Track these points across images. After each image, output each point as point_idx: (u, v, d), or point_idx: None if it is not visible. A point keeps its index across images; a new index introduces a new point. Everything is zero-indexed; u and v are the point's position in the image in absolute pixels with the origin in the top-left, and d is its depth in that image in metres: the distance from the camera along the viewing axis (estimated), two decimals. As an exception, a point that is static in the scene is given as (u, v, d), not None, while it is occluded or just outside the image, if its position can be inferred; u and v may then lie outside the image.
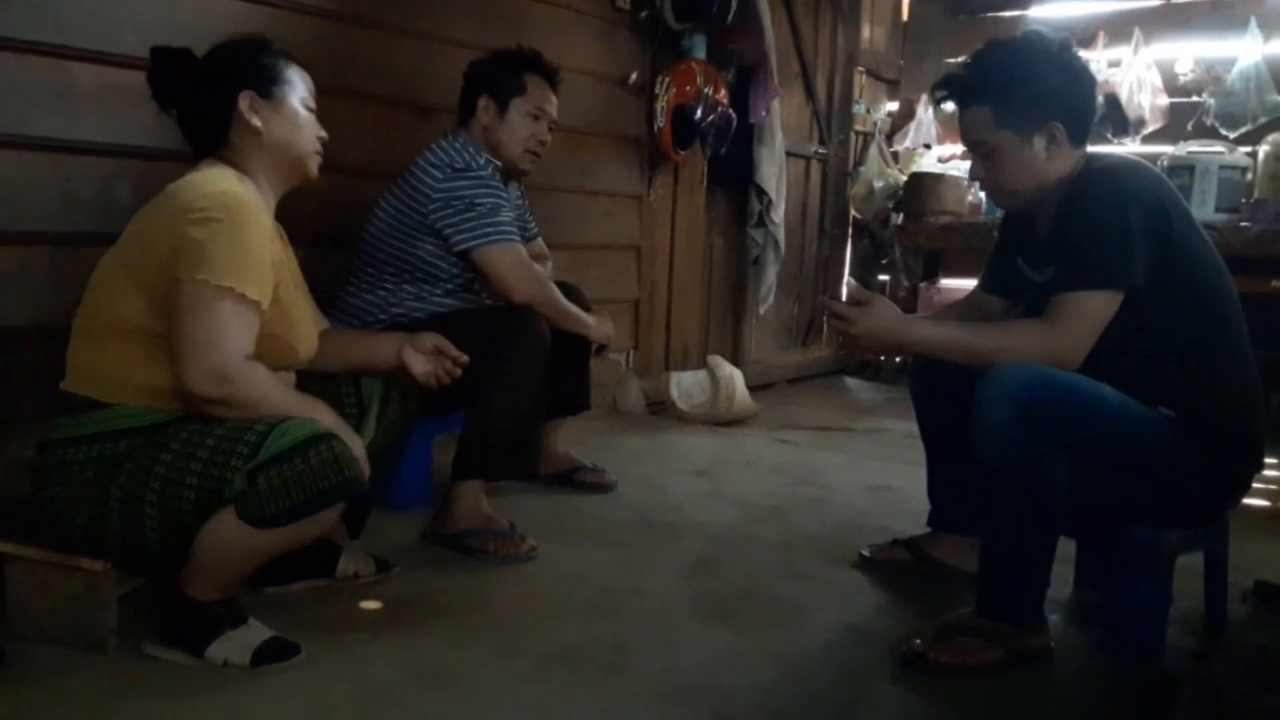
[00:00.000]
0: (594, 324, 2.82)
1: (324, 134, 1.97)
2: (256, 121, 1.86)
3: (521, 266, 2.60)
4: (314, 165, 1.96)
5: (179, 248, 1.70)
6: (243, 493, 1.65)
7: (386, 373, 2.13)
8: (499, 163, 2.71)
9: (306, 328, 1.99)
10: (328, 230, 2.76)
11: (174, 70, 1.88)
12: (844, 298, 2.10)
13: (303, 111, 1.92)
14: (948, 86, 2.08)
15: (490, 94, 2.70)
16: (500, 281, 2.58)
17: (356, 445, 1.86)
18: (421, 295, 2.63)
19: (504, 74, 2.72)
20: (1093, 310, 1.89)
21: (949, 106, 2.10)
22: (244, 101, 1.85)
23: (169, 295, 1.71)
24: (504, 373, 2.43)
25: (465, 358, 2.14)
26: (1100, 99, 4.87)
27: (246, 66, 1.88)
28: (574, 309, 2.75)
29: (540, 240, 3.02)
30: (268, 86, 1.88)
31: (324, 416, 1.83)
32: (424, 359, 2.11)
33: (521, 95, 2.71)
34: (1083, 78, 2.03)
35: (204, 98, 1.87)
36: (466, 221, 2.55)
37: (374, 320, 2.59)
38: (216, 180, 1.78)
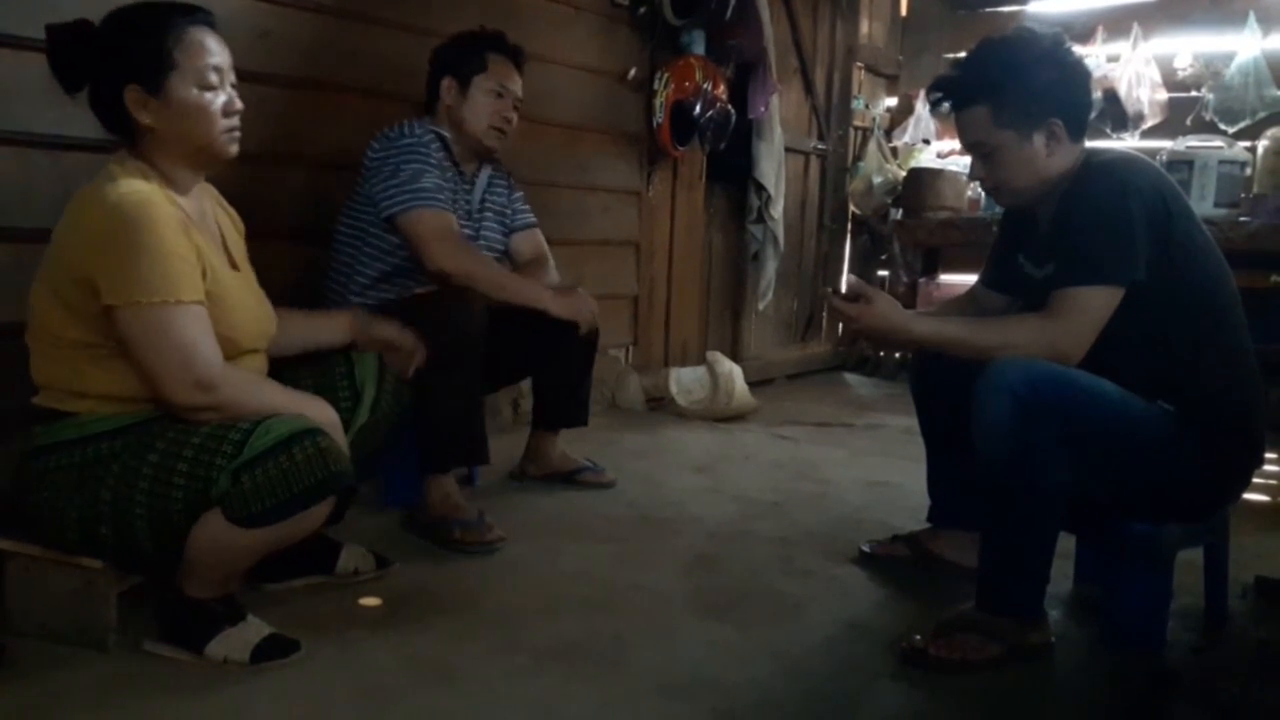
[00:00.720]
0: (551, 299, 2.66)
1: (238, 106, 1.81)
2: (147, 120, 1.73)
3: (439, 233, 2.52)
4: (226, 147, 1.81)
5: (94, 273, 1.65)
6: (228, 493, 1.64)
7: (340, 349, 2.13)
8: (449, 136, 2.68)
9: (244, 316, 1.86)
10: (326, 225, 2.75)
11: (71, 47, 1.72)
12: (844, 292, 2.10)
13: (200, 97, 1.74)
14: (942, 89, 2.08)
15: (452, 74, 2.70)
16: (415, 247, 2.52)
17: (342, 441, 1.84)
18: (372, 276, 2.60)
19: (465, 54, 2.71)
20: (1094, 305, 1.89)
21: (945, 109, 2.10)
22: (130, 97, 1.71)
23: (108, 325, 1.67)
24: (437, 363, 2.37)
25: (420, 350, 2.19)
26: (1098, 94, 4.89)
27: (129, 57, 1.71)
28: (517, 281, 2.67)
29: (536, 233, 2.94)
30: (153, 79, 1.71)
31: (316, 411, 1.81)
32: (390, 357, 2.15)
33: (483, 73, 2.70)
34: (1077, 72, 2.03)
35: (96, 89, 1.75)
36: (390, 187, 2.53)
37: (340, 304, 2.57)
38: (116, 184, 1.68)
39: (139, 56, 1.71)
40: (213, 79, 1.76)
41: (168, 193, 1.75)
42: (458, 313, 2.42)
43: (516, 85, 2.76)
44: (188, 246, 1.72)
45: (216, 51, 1.78)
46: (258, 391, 1.78)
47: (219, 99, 1.78)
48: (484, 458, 2.68)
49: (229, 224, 1.98)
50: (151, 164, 1.77)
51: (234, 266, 1.91)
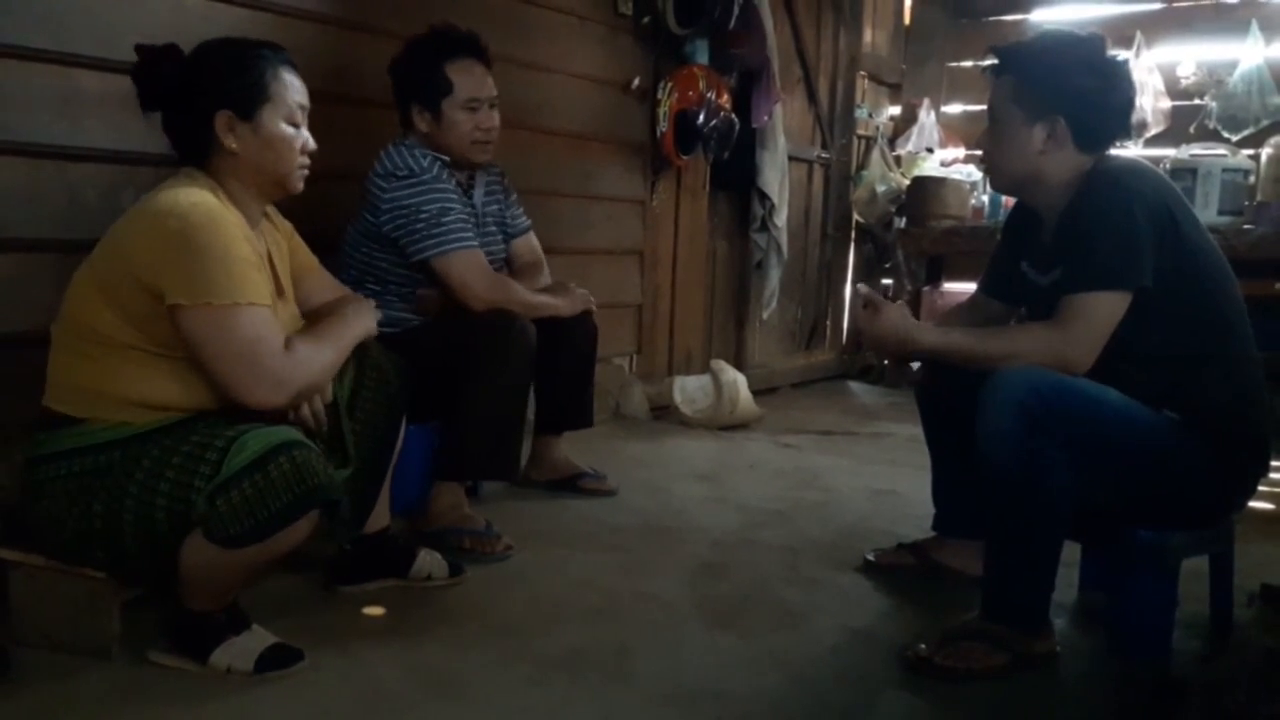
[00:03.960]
0: (563, 304, 2.79)
1: (312, 145, 1.90)
2: (233, 144, 1.79)
3: (475, 273, 2.56)
4: (297, 182, 1.90)
5: (160, 275, 1.67)
6: (206, 515, 1.62)
7: None
8: (447, 160, 2.64)
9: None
10: (324, 236, 2.75)
11: (159, 70, 1.80)
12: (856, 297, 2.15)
13: (287, 131, 1.84)
14: (997, 52, 2.11)
15: (418, 100, 2.61)
16: (457, 290, 2.55)
17: (369, 314, 2.01)
18: (397, 306, 2.62)
19: (423, 73, 2.60)
20: (1100, 312, 1.89)
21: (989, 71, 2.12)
22: (220, 121, 1.78)
23: (160, 328, 1.70)
24: (490, 378, 2.44)
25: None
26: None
27: (226, 83, 1.79)
28: (537, 298, 2.72)
29: (532, 237, 2.95)
30: (248, 107, 1.80)
31: (364, 317, 1.99)
32: None
33: (450, 93, 2.59)
34: (1112, 89, 2.00)
35: (182, 110, 1.82)
36: (416, 232, 2.53)
37: None
38: (187, 193, 1.74)
39: (238, 84, 1.80)
40: (299, 116, 1.87)
41: (234, 213, 1.81)
42: (512, 331, 2.47)
43: (488, 87, 2.64)
44: (256, 258, 1.79)
45: (302, 91, 1.88)
46: (324, 355, 1.84)
47: (301, 136, 1.87)
48: (514, 475, 2.70)
49: (278, 244, 1.99)
50: (222, 186, 1.82)
51: (280, 293, 1.93)
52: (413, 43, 2.65)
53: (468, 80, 2.61)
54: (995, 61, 2.10)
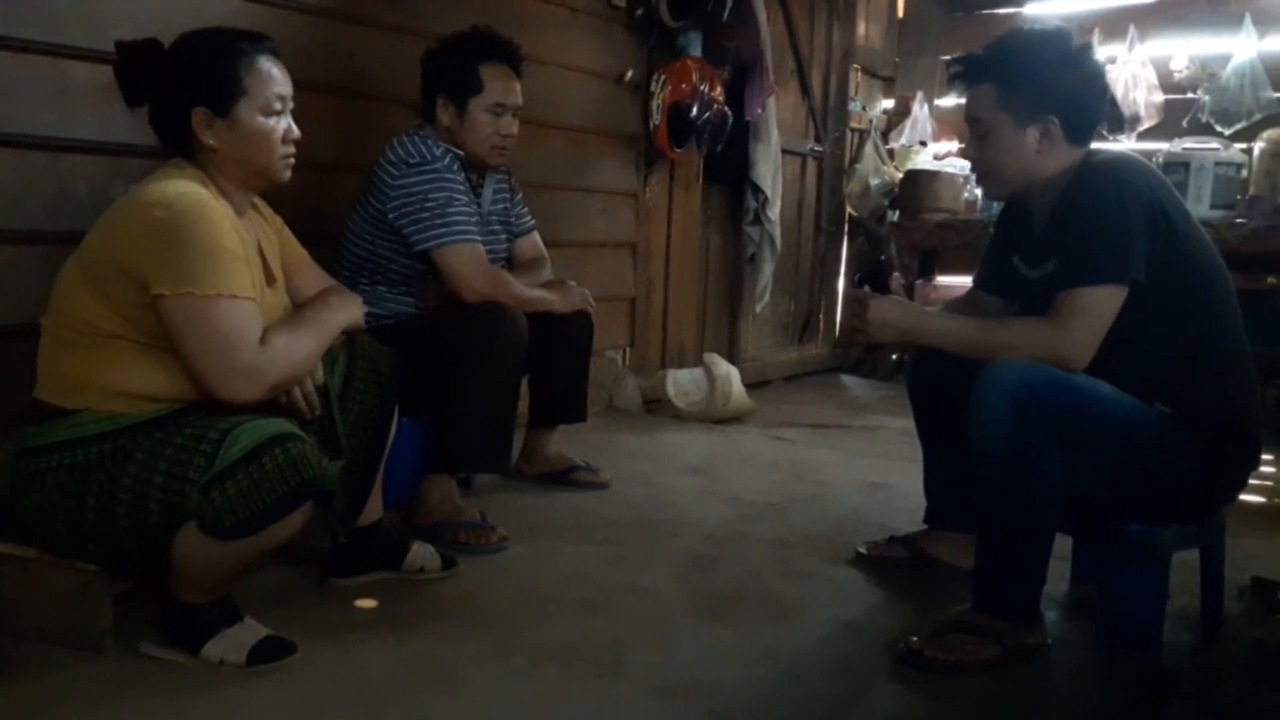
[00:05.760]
0: (559, 299, 2.79)
1: (296, 134, 1.88)
2: (211, 141, 1.79)
3: (471, 266, 2.56)
4: (281, 173, 1.88)
5: (145, 264, 1.67)
6: (200, 507, 1.62)
7: None
8: (461, 154, 2.65)
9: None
10: (320, 227, 2.75)
11: (137, 66, 1.79)
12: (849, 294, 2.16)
13: (264, 123, 1.81)
14: (963, 62, 2.09)
15: (446, 94, 2.62)
16: (453, 282, 2.55)
17: (355, 305, 2.01)
18: (395, 297, 2.63)
19: (457, 70, 2.62)
20: (1097, 307, 1.89)
21: (958, 83, 2.10)
22: (197, 118, 1.78)
23: (146, 318, 1.69)
24: (482, 371, 2.45)
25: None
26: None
27: (201, 79, 1.78)
28: (533, 293, 2.72)
29: (535, 236, 2.97)
30: (223, 102, 1.78)
31: (349, 312, 1.98)
32: None
33: (479, 94, 2.61)
34: (1093, 80, 2.04)
35: (161, 107, 1.82)
36: (420, 220, 2.53)
37: None
38: (175, 184, 1.74)
39: (211, 80, 1.78)
40: (277, 106, 1.84)
41: (222, 203, 1.80)
42: (504, 324, 2.47)
43: (516, 95, 2.68)
44: (243, 249, 1.78)
45: (281, 81, 1.85)
46: (297, 351, 1.81)
47: (280, 126, 1.85)
48: (505, 468, 2.71)
49: (267, 234, 1.99)
50: (210, 177, 1.82)
51: (270, 281, 1.93)
52: (453, 38, 2.67)
53: (498, 85, 2.64)
54: (961, 70, 2.08)
